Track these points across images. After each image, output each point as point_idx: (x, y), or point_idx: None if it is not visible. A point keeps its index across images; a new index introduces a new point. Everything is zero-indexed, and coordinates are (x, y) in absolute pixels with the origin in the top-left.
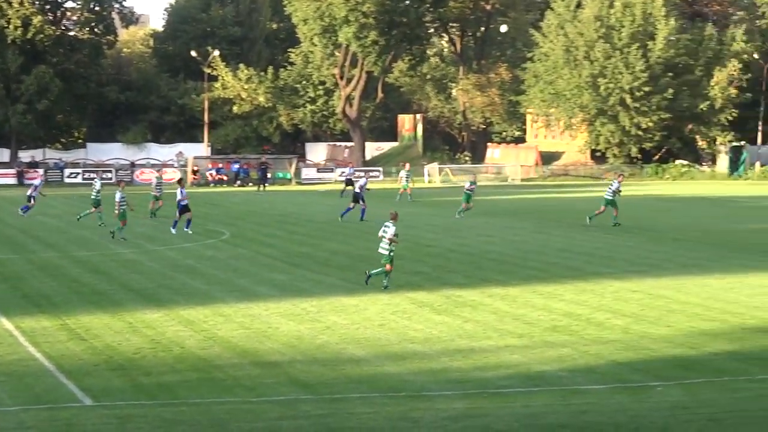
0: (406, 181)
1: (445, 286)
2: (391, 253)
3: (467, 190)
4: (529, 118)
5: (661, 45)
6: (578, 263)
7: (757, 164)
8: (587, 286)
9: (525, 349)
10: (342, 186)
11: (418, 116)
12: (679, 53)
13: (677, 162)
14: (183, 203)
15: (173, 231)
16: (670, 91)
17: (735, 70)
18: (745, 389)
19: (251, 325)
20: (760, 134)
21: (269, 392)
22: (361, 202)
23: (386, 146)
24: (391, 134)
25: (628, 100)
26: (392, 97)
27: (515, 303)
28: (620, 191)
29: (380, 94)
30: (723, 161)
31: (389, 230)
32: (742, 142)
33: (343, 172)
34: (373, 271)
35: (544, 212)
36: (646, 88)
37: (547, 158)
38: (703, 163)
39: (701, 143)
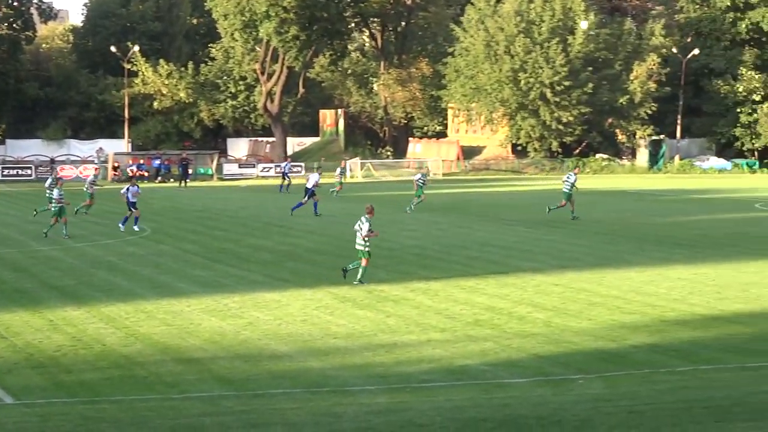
0: (341, 177)
1: (368, 280)
2: (367, 248)
3: (419, 182)
4: (450, 112)
5: (580, 40)
6: (500, 257)
7: (676, 158)
8: (509, 280)
9: (447, 343)
10: (281, 180)
11: (340, 111)
12: (599, 48)
13: (597, 156)
14: (133, 200)
15: (121, 227)
16: (590, 85)
17: (654, 65)
18: (665, 381)
19: (173, 322)
20: (679, 128)
21: (191, 389)
22: (313, 197)
23: (308, 141)
24: (312, 129)
25: (549, 95)
26: (314, 93)
27: (437, 297)
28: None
29: (301, 90)
30: (643, 155)
31: (364, 225)
32: (662, 136)
33: (279, 166)
34: (349, 266)
35: (465, 207)
36: (567, 83)
37: (469, 153)
38: (623, 157)
39: (621, 137)
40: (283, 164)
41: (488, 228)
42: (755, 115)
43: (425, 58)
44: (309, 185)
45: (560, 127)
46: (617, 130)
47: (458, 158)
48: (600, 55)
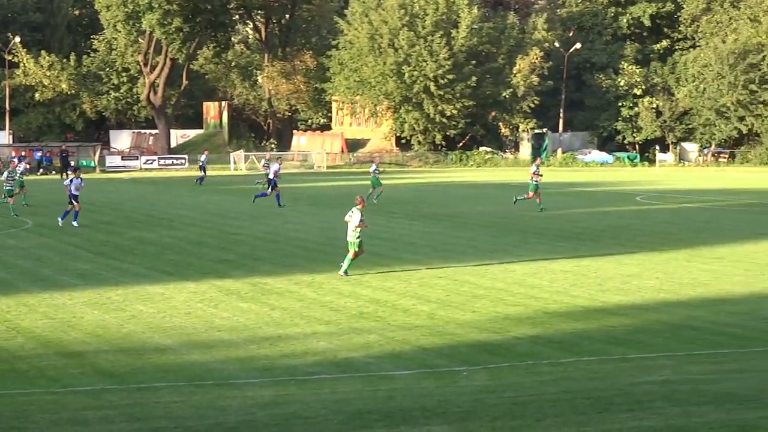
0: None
1: (252, 273)
2: (359, 239)
3: (374, 173)
4: (334, 105)
5: (464, 33)
6: (384, 249)
7: (559, 151)
8: (393, 273)
9: (332, 335)
10: (199, 173)
11: (224, 104)
12: (482, 41)
13: (481, 149)
14: (75, 193)
15: (60, 222)
16: (474, 79)
17: (537, 58)
18: (548, 372)
19: (55, 315)
20: (561, 121)
21: (74, 382)
22: (275, 188)
23: (192, 134)
24: (196, 122)
25: (433, 88)
26: (197, 85)
27: (322, 290)
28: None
29: (185, 82)
30: (526, 148)
31: (355, 216)
32: (544, 130)
33: (198, 159)
34: (345, 265)
35: (350, 199)
36: (450, 76)
37: (353, 145)
38: (507, 150)
39: (504, 130)
40: (201, 156)
41: (373, 221)
42: (636, 108)
43: (309, 50)
44: (270, 175)
45: (444, 120)
46: (500, 124)
47: (342, 151)
48: (483, 48)
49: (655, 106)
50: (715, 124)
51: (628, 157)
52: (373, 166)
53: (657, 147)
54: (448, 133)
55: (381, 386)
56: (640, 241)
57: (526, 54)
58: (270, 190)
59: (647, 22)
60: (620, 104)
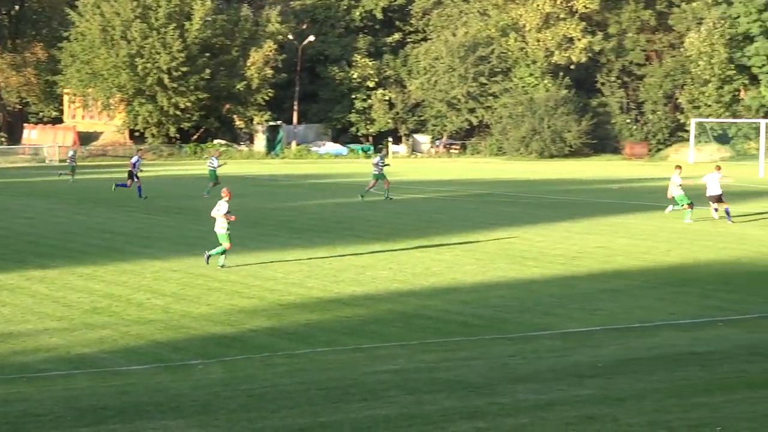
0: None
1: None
2: (228, 231)
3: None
4: (66, 98)
5: (197, 25)
6: (118, 244)
7: (293, 143)
8: (127, 267)
9: (65, 331)
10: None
11: None
12: (216, 34)
13: (216, 141)
14: None
15: None
16: (208, 71)
17: (270, 51)
18: (283, 364)
19: None
20: (295, 114)
21: None
22: (135, 179)
23: None
24: None
25: (166, 80)
26: None
27: (54, 285)
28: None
29: None
30: (260, 141)
31: (222, 208)
32: (279, 122)
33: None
34: (211, 252)
35: (83, 193)
36: (184, 69)
37: (86, 138)
38: (241, 143)
39: (239, 123)
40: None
41: (107, 215)
42: (369, 101)
43: (40, 42)
44: (131, 167)
45: (178, 113)
46: (235, 116)
47: (75, 144)
48: (217, 41)
49: (388, 98)
50: (447, 116)
51: (362, 149)
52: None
53: (390, 138)
54: (182, 126)
55: (115, 381)
56: (374, 232)
57: (260, 46)
58: (130, 181)
59: (380, 15)
60: (354, 96)
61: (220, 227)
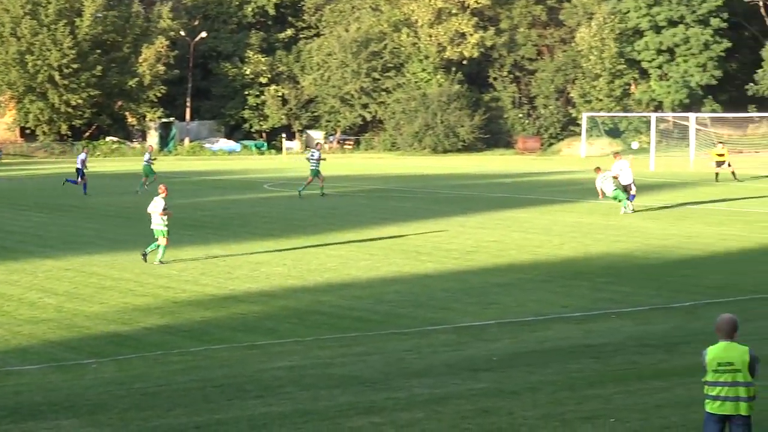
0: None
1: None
2: (166, 227)
3: (147, 162)
4: None
5: (88, 22)
6: (10, 243)
7: (186, 140)
8: (19, 266)
9: None
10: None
11: None
12: (107, 30)
13: (108, 139)
14: None
15: None
16: (99, 68)
17: (162, 47)
18: (177, 362)
19: None
20: (188, 110)
21: None
22: (83, 177)
23: None
24: None
25: (57, 78)
26: None
27: None
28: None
29: None
30: (153, 138)
31: (159, 204)
32: (172, 119)
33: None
34: (148, 249)
35: None
36: (75, 65)
37: None
38: (134, 140)
39: (131, 120)
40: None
41: None
42: (262, 97)
43: None
44: (78, 165)
45: (69, 110)
46: (127, 113)
47: None
48: (108, 37)
49: (281, 94)
50: (340, 112)
51: (256, 146)
52: (147, 156)
53: (284, 135)
54: (74, 123)
55: (7, 382)
56: (269, 228)
57: (151, 43)
58: (79, 178)
59: (272, 11)
60: (247, 93)
61: (157, 224)
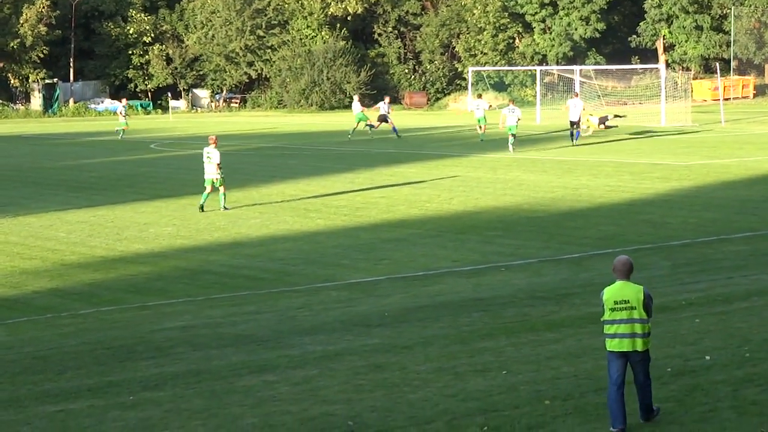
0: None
1: None
2: (222, 175)
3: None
4: None
5: None
6: None
7: (71, 101)
8: None
9: None
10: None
11: None
12: None
13: None
14: None
15: None
16: None
17: (44, 8)
18: (68, 324)
19: None
20: (72, 71)
21: None
22: None
23: None
24: None
25: None
26: None
27: None
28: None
29: None
30: (37, 99)
31: (214, 155)
32: (55, 80)
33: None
34: (202, 200)
35: None
36: None
37: None
38: (18, 102)
39: (14, 82)
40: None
41: None
42: (147, 56)
43: None
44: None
45: None
46: (9, 75)
47: None
48: None
49: (165, 53)
50: (226, 70)
51: (141, 105)
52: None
53: (169, 94)
54: None
55: None
56: (157, 188)
57: (32, 3)
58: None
59: None
60: (131, 52)
61: (212, 173)
